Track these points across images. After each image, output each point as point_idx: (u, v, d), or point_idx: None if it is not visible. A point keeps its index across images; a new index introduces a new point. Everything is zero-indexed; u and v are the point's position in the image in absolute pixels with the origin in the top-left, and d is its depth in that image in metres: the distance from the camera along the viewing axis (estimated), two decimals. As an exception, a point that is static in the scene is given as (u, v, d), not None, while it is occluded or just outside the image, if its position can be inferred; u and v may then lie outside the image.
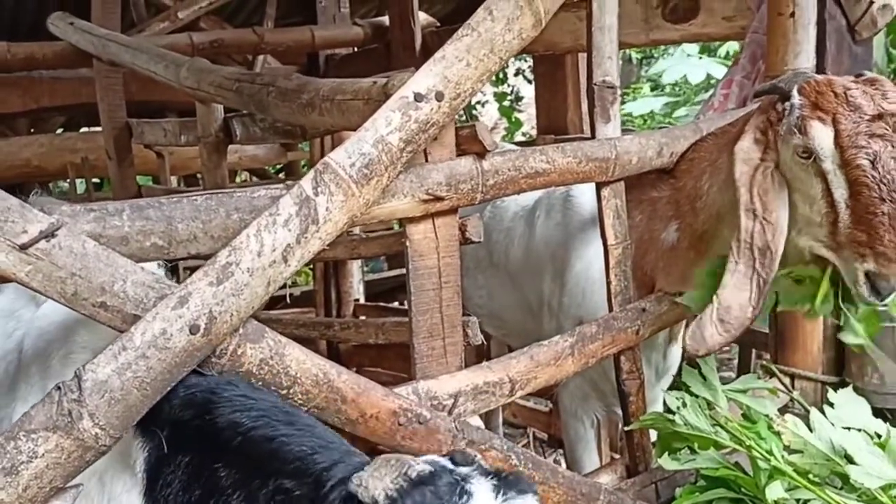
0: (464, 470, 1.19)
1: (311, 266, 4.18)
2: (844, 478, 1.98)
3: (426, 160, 1.82)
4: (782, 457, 2.00)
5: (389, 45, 4.63)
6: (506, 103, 9.30)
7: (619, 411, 2.44)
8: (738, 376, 3.59)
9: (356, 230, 3.08)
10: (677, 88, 10.89)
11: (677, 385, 2.30)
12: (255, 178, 6.87)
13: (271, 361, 1.54)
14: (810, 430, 2.14)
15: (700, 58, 8.32)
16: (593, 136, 2.19)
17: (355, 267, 4.03)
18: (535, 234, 2.83)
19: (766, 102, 2.00)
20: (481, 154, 1.88)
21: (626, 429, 2.35)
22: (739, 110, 2.64)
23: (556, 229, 2.72)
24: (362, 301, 4.18)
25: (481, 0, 1.80)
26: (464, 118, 9.15)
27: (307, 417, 1.46)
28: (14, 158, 4.63)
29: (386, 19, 4.70)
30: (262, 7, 5.29)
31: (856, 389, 2.51)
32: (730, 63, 3.13)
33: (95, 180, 5.52)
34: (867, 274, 1.85)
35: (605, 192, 2.23)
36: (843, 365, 2.78)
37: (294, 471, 1.30)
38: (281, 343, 1.56)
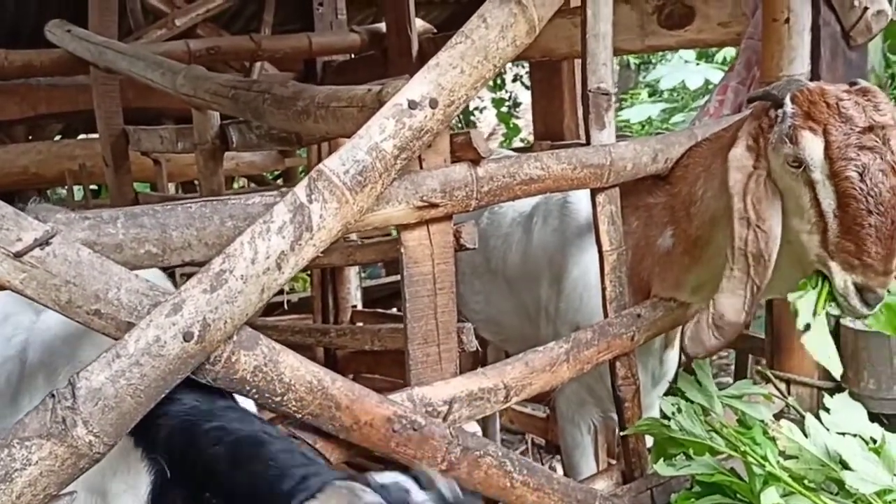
0: (420, 497, 1.14)
1: (309, 272, 4.19)
2: (840, 483, 1.99)
3: (421, 167, 1.83)
4: (777, 462, 2.00)
5: (386, 51, 4.64)
6: (504, 109, 9.32)
7: (616, 417, 2.45)
8: (735, 381, 3.60)
9: (353, 236, 3.09)
10: (675, 94, 10.92)
11: (673, 391, 2.30)
12: (252, 184, 6.88)
13: (265, 368, 1.54)
14: (805, 435, 2.14)
15: (698, 63, 8.35)
16: (588, 143, 2.20)
17: (353, 273, 4.03)
18: (532, 240, 2.83)
19: (758, 109, 2.01)
20: (476, 161, 1.89)
21: (621, 434, 2.35)
22: (734, 116, 2.65)
23: (554, 235, 2.73)
24: (360, 307, 4.18)
25: (477, 6, 1.81)
26: (461, 124, 9.18)
27: (271, 442, 1.42)
28: (11, 166, 4.63)
29: (383, 26, 4.72)
30: (259, 14, 5.30)
31: (852, 395, 2.51)
32: (727, 68, 3.14)
33: (93, 187, 5.52)
34: (855, 285, 1.86)
35: (601, 198, 2.24)
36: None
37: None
38: (275, 350, 1.56)
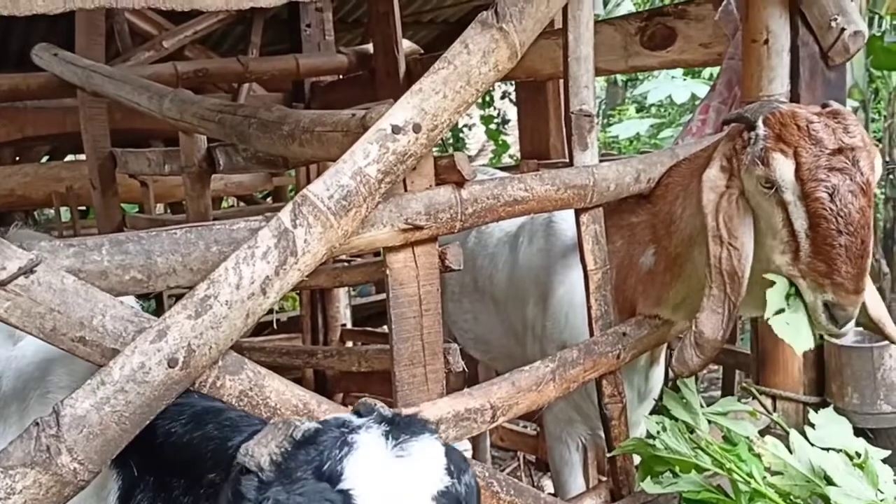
0: (358, 421, 1.15)
1: (298, 291, 4.18)
2: (825, 499, 2.00)
3: (405, 190, 1.85)
4: (763, 479, 2.02)
5: (374, 72, 4.67)
6: (492, 126, 9.37)
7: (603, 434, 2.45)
8: (722, 396, 3.61)
9: (343, 256, 3.09)
10: (662, 110, 11.02)
11: (659, 409, 2.32)
12: (242, 203, 6.88)
13: (251, 393, 1.55)
14: (790, 451, 2.16)
15: (684, 79, 8.43)
16: (571, 164, 2.22)
17: (342, 292, 4.03)
18: (518, 260, 2.85)
19: (733, 130, 2.04)
20: (460, 183, 1.91)
21: (608, 455, 2.36)
22: (716, 135, 2.68)
23: (539, 255, 2.75)
24: (349, 326, 4.18)
25: (464, 26, 1.84)
26: (450, 140, 9.22)
27: (229, 409, 1.47)
28: (-2, 188, 4.62)
29: (370, 47, 4.75)
30: (247, 35, 5.33)
31: (836, 409, 2.54)
32: (712, 84, 3.19)
33: (81, 208, 5.51)
34: (825, 303, 1.89)
35: (584, 218, 2.26)
36: (823, 385, 2.81)
37: (214, 463, 1.31)
38: (260, 374, 1.57)
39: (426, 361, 1.93)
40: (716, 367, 4.89)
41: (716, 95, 2.88)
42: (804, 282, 1.91)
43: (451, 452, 1.15)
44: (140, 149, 4.02)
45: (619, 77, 10.71)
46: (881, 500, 1.99)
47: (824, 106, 1.97)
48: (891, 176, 9.29)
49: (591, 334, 2.31)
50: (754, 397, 2.69)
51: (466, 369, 2.15)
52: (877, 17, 8.27)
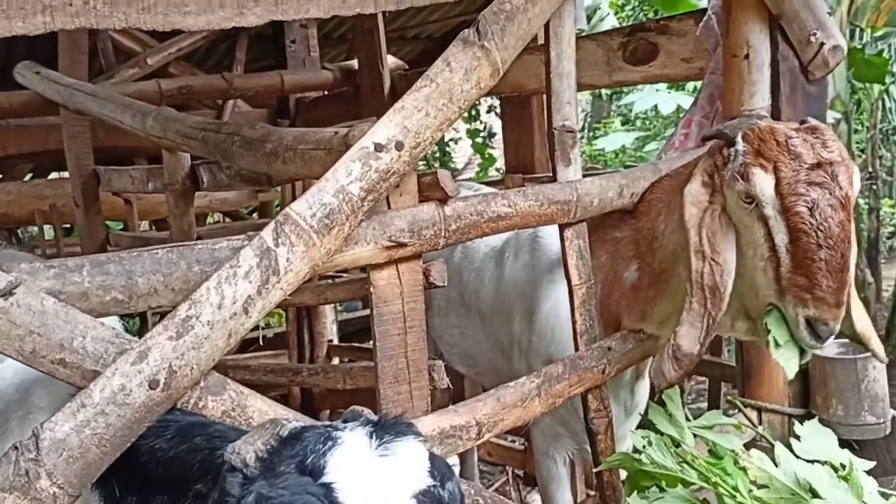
0: (345, 424, 1.16)
1: (284, 308, 4.17)
2: (810, 512, 2.00)
3: (389, 207, 1.85)
4: (749, 492, 2.01)
5: (359, 87, 4.68)
6: (479, 140, 9.39)
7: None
8: (708, 408, 3.63)
9: (328, 272, 3.09)
10: (647, 122, 11.11)
11: (644, 423, 2.32)
12: (227, 219, 6.86)
13: (233, 413, 1.54)
14: (775, 464, 2.16)
15: (669, 91, 8.51)
16: (555, 179, 2.23)
17: (328, 308, 4.02)
18: (504, 275, 2.85)
19: (714, 147, 2.06)
20: (443, 200, 1.91)
21: (594, 470, 2.36)
22: (698, 150, 2.70)
23: (525, 269, 2.75)
24: (336, 342, 4.17)
25: (448, 44, 1.85)
26: (437, 154, 9.24)
27: (217, 423, 1.47)
28: (-20, 207, 4.59)
29: (355, 63, 4.76)
30: (232, 51, 5.33)
31: (821, 421, 2.54)
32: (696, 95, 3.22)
33: (65, 226, 5.48)
34: (807, 318, 1.90)
35: (568, 233, 2.27)
36: (808, 397, 2.82)
37: (202, 473, 1.31)
38: (243, 394, 1.56)
39: (411, 379, 1.93)
40: (703, 378, 4.91)
41: (698, 110, 2.90)
42: (786, 297, 1.92)
43: (436, 458, 1.17)
44: (124, 166, 4.01)
45: (604, 91, 10.79)
46: (866, 512, 2.00)
47: (802, 122, 1.99)
48: (874, 186, 9.39)
49: (576, 349, 2.31)
50: (739, 410, 2.69)
51: (451, 386, 2.14)
52: (858, 29, 8.39)
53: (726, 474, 2.10)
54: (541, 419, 2.56)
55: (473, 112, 8.96)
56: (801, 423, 2.43)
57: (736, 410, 2.73)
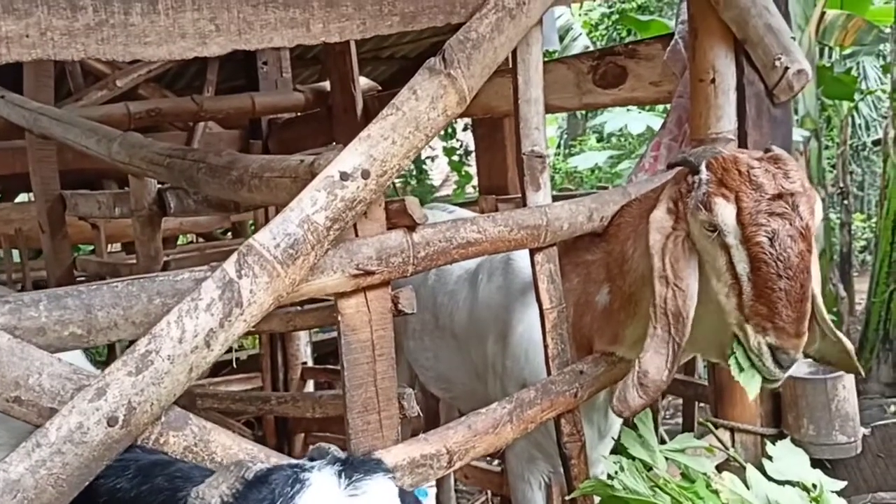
0: (312, 463, 1.15)
1: (254, 333, 4.13)
2: (782, 535, 2.01)
3: (356, 235, 1.83)
4: (721, 516, 2.02)
5: (331, 109, 4.68)
6: (455, 157, 9.41)
7: (564, 473, 2.44)
8: (683, 427, 3.63)
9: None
10: (622, 140, 11.21)
11: (616, 448, 2.31)
12: (201, 239, 6.79)
13: (195, 449, 1.51)
14: (747, 486, 2.16)
15: (640, 111, 8.60)
16: (525, 204, 2.23)
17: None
18: (478, 298, 2.84)
19: (679, 173, 2.07)
20: (412, 227, 1.90)
21: (567, 497, 2.34)
22: (668, 173, 2.72)
23: (498, 292, 2.74)
24: (310, 363, 4.12)
25: (421, 64, 1.85)
26: (413, 172, 9.24)
27: (178, 462, 1.44)
28: (-55, 230, 4.49)
29: (327, 84, 4.76)
30: (203, 73, 5.31)
31: (793, 441, 2.56)
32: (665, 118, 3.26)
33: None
34: (769, 346, 1.91)
35: (539, 257, 2.26)
36: (780, 417, 2.83)
37: None
38: (206, 429, 1.53)
39: (380, 408, 1.91)
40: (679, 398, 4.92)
41: (666, 133, 2.92)
42: (748, 325, 1.93)
43: (405, 494, 1.15)
44: (93, 190, 3.95)
45: (578, 109, 10.86)
46: (836, 535, 2.00)
47: (767, 150, 2.01)
48: (845, 201, 9.54)
49: (548, 373, 2.30)
50: (711, 431, 2.70)
51: (421, 413, 2.12)
52: (826, 48, 8.55)
53: (699, 498, 2.10)
54: (515, 443, 2.54)
55: (450, 130, 8.99)
56: (774, 443, 2.44)
57: (708, 432, 2.74)
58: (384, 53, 6.25)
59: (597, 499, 2.37)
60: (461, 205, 4.11)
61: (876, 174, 10.73)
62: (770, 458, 2.35)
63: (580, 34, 9.70)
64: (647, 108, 8.36)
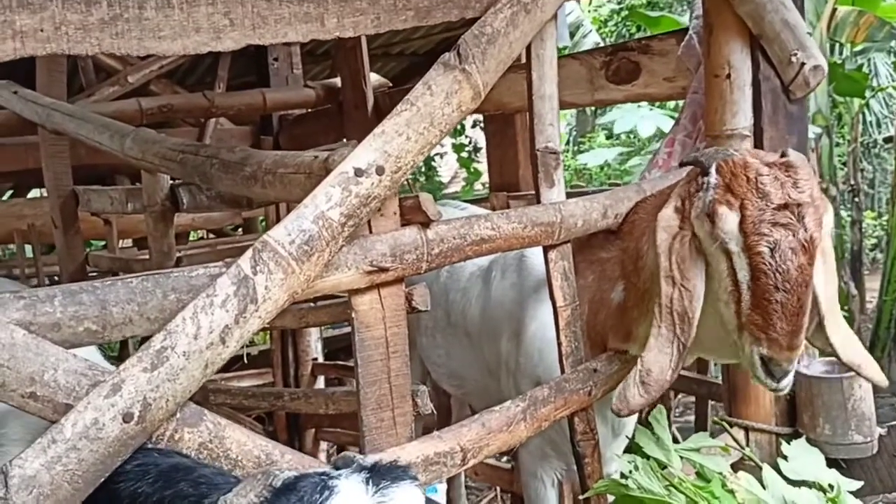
0: (338, 471, 1.15)
1: (267, 328, 4.12)
2: (798, 535, 1.99)
3: (370, 231, 1.82)
4: (737, 516, 2.00)
5: (342, 105, 4.66)
6: (464, 154, 9.40)
7: (578, 471, 2.42)
8: (696, 426, 3.61)
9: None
10: (632, 137, 11.17)
11: (631, 447, 2.30)
12: (212, 236, 6.81)
13: (210, 445, 1.51)
14: (763, 486, 2.14)
15: (651, 108, 8.55)
16: (538, 201, 2.21)
17: (312, 326, 3.97)
18: (491, 295, 2.83)
19: (691, 173, 2.05)
20: (426, 224, 1.89)
21: (581, 497, 2.33)
22: (682, 169, 2.70)
23: (512, 290, 2.73)
24: (321, 359, 4.12)
25: (432, 60, 1.83)
26: (423, 169, 9.24)
27: (201, 466, 1.43)
28: (-42, 227, 4.52)
29: (338, 80, 4.75)
30: (214, 68, 5.30)
31: (808, 440, 2.54)
32: (678, 115, 3.22)
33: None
34: (762, 357, 1.89)
35: (553, 254, 2.25)
36: (795, 416, 2.81)
37: None
38: (220, 425, 1.52)
39: (394, 405, 1.90)
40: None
41: (681, 129, 2.90)
42: (743, 333, 1.91)
43: (431, 503, 1.15)
44: (105, 185, 3.96)
45: (588, 105, 10.81)
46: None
47: (783, 154, 1.98)
48: (856, 199, 9.48)
49: (562, 371, 2.28)
50: (726, 430, 2.68)
51: (435, 411, 2.11)
52: (838, 44, 8.49)
53: (714, 498, 2.08)
54: (529, 441, 2.53)
55: (459, 127, 8.98)
56: (789, 443, 2.42)
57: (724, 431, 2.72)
58: (395, 49, 6.24)
59: (610, 497, 2.36)
60: (470, 202, 4.09)
61: (887, 171, 10.66)
62: (785, 457, 2.33)
63: (590, 31, 9.64)
64: (658, 105, 8.30)
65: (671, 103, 7.79)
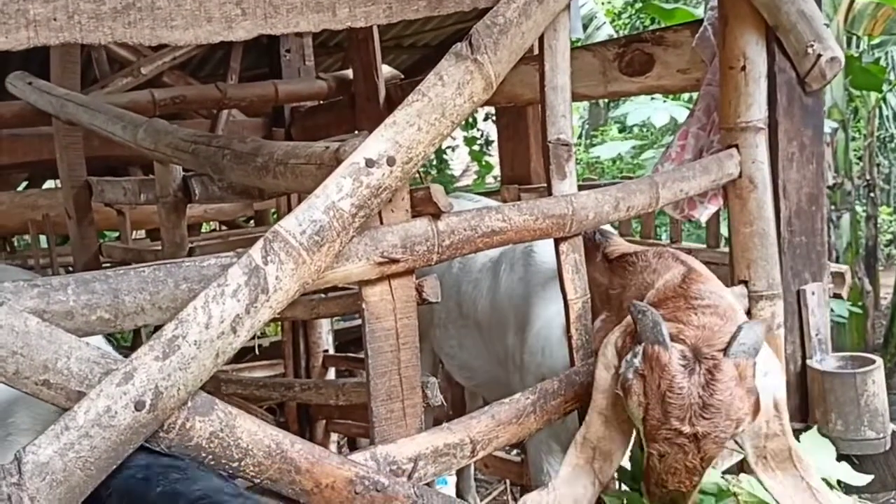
0: None
1: (278, 319, 4.13)
2: (803, 537, 1.97)
3: (381, 222, 1.82)
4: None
5: (354, 97, 4.67)
6: (476, 147, 9.38)
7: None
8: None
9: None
10: (645, 130, 11.11)
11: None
12: (224, 227, 6.84)
13: (221, 434, 1.51)
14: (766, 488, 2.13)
15: (664, 101, 8.50)
16: (550, 193, 2.21)
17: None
18: (500, 287, 2.83)
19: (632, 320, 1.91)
20: (436, 215, 1.88)
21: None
22: (695, 162, 2.69)
23: (519, 284, 2.73)
24: (332, 351, 4.13)
25: (445, 52, 1.83)
26: (434, 162, 9.23)
27: (236, 495, 1.42)
28: (-27, 216, 4.56)
29: (350, 72, 4.75)
30: (227, 60, 5.32)
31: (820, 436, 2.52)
32: (692, 106, 3.19)
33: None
34: None
35: (564, 247, 2.24)
36: (807, 412, 2.79)
37: None
38: (231, 415, 1.53)
39: (404, 396, 1.90)
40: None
41: (694, 121, 2.87)
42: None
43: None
44: (119, 176, 3.98)
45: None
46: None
47: (726, 348, 1.78)
48: (871, 194, 9.40)
49: (572, 364, 2.28)
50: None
51: (445, 403, 2.11)
52: (855, 37, 8.40)
53: (718, 501, 2.08)
54: (536, 434, 2.53)
55: (471, 120, 8.95)
56: (798, 439, 2.40)
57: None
58: (407, 41, 6.23)
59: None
60: (482, 195, 4.08)
61: (904, 166, 10.55)
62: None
63: (604, 23, 9.59)
64: (672, 97, 8.25)
65: (685, 95, 7.73)
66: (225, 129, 5.14)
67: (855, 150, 9.49)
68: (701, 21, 2.90)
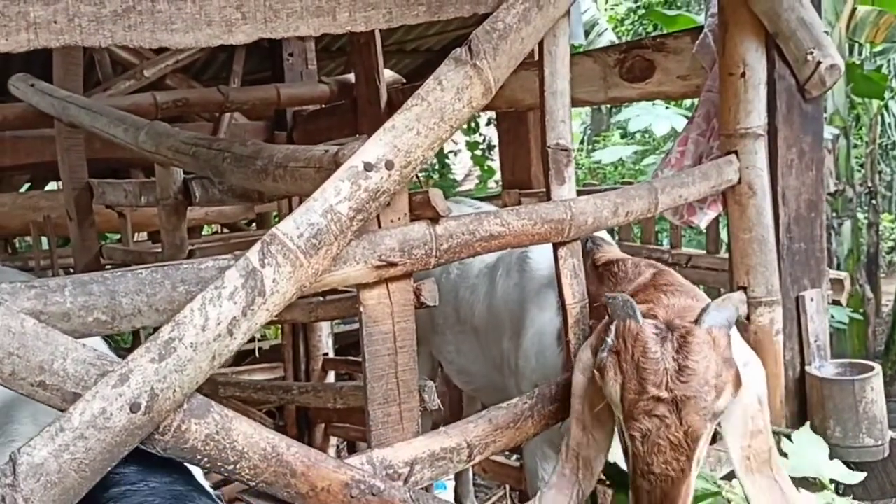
0: None
1: (277, 322, 4.14)
2: (798, 543, 1.97)
3: (379, 226, 1.83)
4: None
5: (356, 101, 4.67)
6: (478, 152, 9.38)
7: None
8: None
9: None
10: (646, 136, 11.12)
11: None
12: (225, 230, 6.84)
13: (217, 437, 1.51)
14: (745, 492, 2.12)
15: (667, 107, 8.51)
16: (549, 198, 2.21)
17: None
18: (496, 293, 2.84)
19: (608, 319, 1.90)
20: (435, 219, 1.89)
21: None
22: (695, 168, 2.69)
23: (515, 290, 2.73)
24: (331, 354, 4.13)
25: (447, 56, 1.83)
26: (436, 166, 9.24)
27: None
28: (-25, 218, 4.57)
29: (352, 76, 4.76)
30: (229, 63, 5.33)
31: (818, 443, 2.52)
32: (692, 114, 3.20)
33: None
34: None
35: (562, 251, 2.24)
36: (805, 418, 2.79)
37: None
38: (227, 417, 1.53)
39: (401, 400, 1.90)
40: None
41: (694, 128, 2.88)
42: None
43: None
44: (120, 179, 3.99)
45: (603, 104, 10.76)
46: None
47: (697, 319, 1.78)
48: (873, 201, 9.39)
49: (571, 368, 2.28)
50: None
51: (442, 407, 2.11)
52: (857, 45, 8.41)
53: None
54: (531, 440, 2.53)
55: (473, 124, 8.96)
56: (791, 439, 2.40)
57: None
58: (409, 46, 6.24)
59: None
60: (483, 199, 4.09)
61: (905, 174, 10.55)
62: (785, 455, 2.31)
63: (606, 29, 9.60)
64: (674, 104, 8.25)
65: (686, 102, 7.73)
66: (227, 133, 5.15)
67: (857, 157, 9.50)
68: (701, 28, 2.91)
